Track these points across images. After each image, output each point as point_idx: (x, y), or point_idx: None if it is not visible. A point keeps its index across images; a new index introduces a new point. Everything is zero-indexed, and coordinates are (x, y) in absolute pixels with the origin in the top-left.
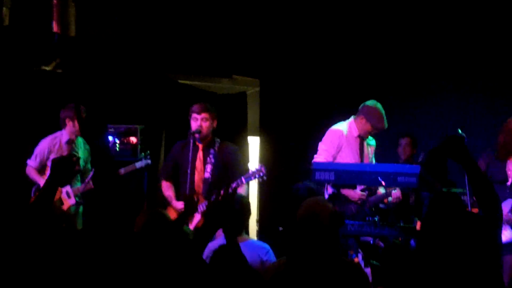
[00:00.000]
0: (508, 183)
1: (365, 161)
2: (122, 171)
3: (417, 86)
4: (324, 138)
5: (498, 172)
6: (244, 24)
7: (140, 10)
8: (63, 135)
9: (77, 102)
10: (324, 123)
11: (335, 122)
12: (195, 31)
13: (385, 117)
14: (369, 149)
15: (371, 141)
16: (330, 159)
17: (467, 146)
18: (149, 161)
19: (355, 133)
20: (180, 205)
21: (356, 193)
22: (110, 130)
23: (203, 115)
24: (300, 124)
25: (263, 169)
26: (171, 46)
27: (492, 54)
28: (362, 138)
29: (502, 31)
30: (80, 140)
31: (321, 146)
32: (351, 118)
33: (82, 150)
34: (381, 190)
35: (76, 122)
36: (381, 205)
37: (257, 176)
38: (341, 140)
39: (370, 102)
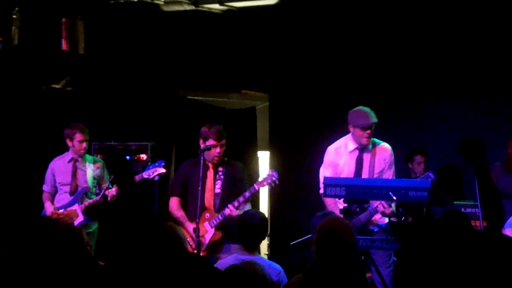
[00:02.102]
0: None
1: (366, 175)
2: (137, 178)
3: (426, 98)
4: (323, 160)
5: (507, 186)
6: (253, 39)
7: (149, 27)
8: (68, 154)
9: (78, 121)
10: (333, 136)
11: (344, 136)
12: (204, 46)
13: (369, 113)
14: (377, 161)
15: (381, 147)
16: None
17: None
18: (157, 168)
19: (352, 146)
20: (192, 227)
21: None
22: (120, 147)
23: (222, 141)
24: (309, 138)
25: (275, 174)
26: (180, 62)
27: (503, 65)
28: (360, 151)
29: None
30: (89, 158)
31: (321, 171)
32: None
33: (92, 167)
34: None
35: (74, 142)
36: (392, 219)
37: (269, 181)
38: (332, 158)
39: (353, 109)
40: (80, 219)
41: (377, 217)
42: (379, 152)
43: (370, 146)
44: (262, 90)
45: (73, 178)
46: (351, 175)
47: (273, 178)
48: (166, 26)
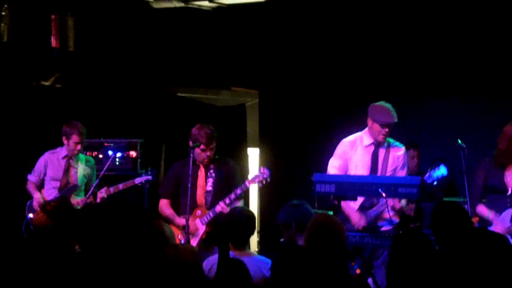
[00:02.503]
0: (508, 193)
1: (379, 170)
2: (120, 186)
3: (417, 93)
4: (335, 151)
5: (497, 182)
6: (243, 36)
7: (139, 24)
8: (62, 150)
9: (77, 121)
10: (323, 133)
11: (334, 132)
12: (194, 43)
13: (392, 111)
14: (391, 159)
15: (395, 147)
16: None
17: (466, 159)
18: (149, 177)
19: (368, 141)
20: (182, 221)
21: (361, 220)
22: (110, 144)
23: (212, 145)
24: (299, 134)
25: (266, 171)
26: (170, 59)
27: (495, 59)
28: (376, 146)
29: (504, 34)
30: (81, 156)
31: (330, 162)
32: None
33: (83, 166)
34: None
35: (70, 142)
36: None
37: (260, 178)
38: (346, 151)
39: (376, 103)
40: None
41: (391, 214)
42: (393, 151)
43: (385, 144)
44: (252, 87)
45: (64, 175)
46: (365, 171)
47: (265, 176)
48: (156, 23)
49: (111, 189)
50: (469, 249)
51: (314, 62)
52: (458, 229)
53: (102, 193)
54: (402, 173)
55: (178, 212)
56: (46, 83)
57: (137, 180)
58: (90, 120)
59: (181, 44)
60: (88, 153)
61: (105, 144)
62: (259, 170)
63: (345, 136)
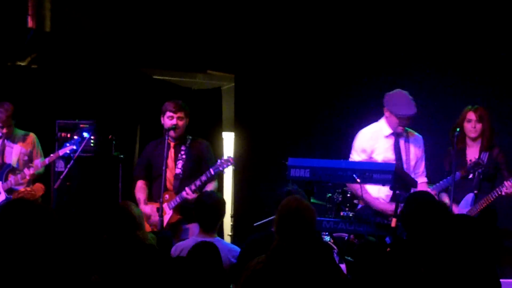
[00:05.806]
0: (470, 176)
1: (404, 163)
2: (46, 160)
3: (394, 78)
4: (352, 145)
5: (459, 166)
6: (219, 19)
7: (115, 5)
8: None
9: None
10: (298, 118)
11: (310, 117)
12: (169, 26)
13: (411, 101)
14: (412, 149)
15: (414, 137)
16: None
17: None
18: (73, 146)
19: (388, 131)
20: (147, 209)
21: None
22: (85, 126)
23: (179, 114)
24: (274, 119)
25: (230, 159)
26: (145, 41)
27: (453, 46)
28: (396, 136)
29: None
30: (19, 134)
31: (351, 155)
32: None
33: (20, 144)
34: None
35: None
36: (355, 202)
37: (225, 166)
38: (368, 143)
39: (392, 92)
40: (1, 197)
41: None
42: (413, 140)
43: (405, 134)
44: (228, 71)
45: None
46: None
47: (229, 163)
48: (133, 4)
49: (46, 161)
50: (442, 237)
51: (291, 46)
52: (428, 218)
53: (37, 167)
54: (422, 163)
55: (151, 195)
56: (22, 64)
57: (61, 151)
58: (66, 101)
59: (157, 26)
60: (63, 134)
61: (81, 126)
62: (224, 157)
63: (321, 121)
